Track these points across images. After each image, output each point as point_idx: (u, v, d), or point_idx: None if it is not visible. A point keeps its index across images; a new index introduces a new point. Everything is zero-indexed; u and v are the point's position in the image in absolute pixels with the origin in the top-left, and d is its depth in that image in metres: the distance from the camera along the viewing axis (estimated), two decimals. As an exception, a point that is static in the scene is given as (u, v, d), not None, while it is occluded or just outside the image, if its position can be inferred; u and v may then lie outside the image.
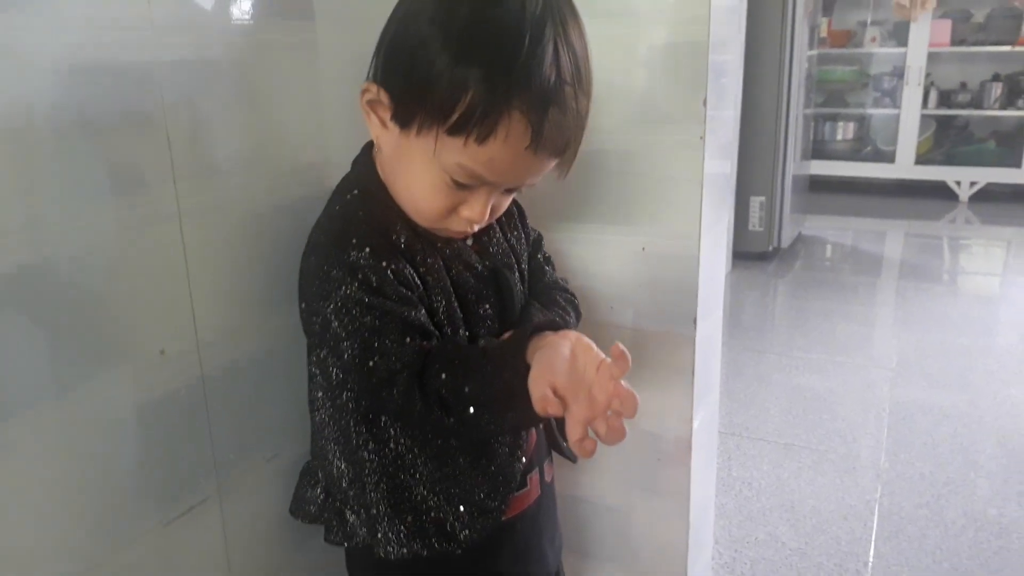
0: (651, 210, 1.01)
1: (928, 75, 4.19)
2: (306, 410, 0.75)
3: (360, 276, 0.61)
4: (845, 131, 4.48)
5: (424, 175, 0.62)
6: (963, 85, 4.29)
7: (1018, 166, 4.02)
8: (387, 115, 0.63)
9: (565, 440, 0.79)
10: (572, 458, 0.81)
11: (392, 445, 0.67)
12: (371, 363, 0.61)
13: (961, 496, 1.52)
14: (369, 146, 0.70)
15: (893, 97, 4.33)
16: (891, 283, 3.00)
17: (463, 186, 0.62)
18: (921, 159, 4.25)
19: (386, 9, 0.66)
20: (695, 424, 1.08)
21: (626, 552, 1.17)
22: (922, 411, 1.89)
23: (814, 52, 3.50)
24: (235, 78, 0.69)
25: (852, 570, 1.32)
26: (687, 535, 1.13)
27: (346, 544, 0.72)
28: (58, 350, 0.56)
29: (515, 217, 0.79)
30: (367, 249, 0.62)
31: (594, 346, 0.58)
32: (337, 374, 0.67)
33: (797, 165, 3.33)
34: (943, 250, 3.46)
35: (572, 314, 0.79)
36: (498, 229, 0.75)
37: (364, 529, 0.69)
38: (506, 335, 0.67)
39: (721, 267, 1.10)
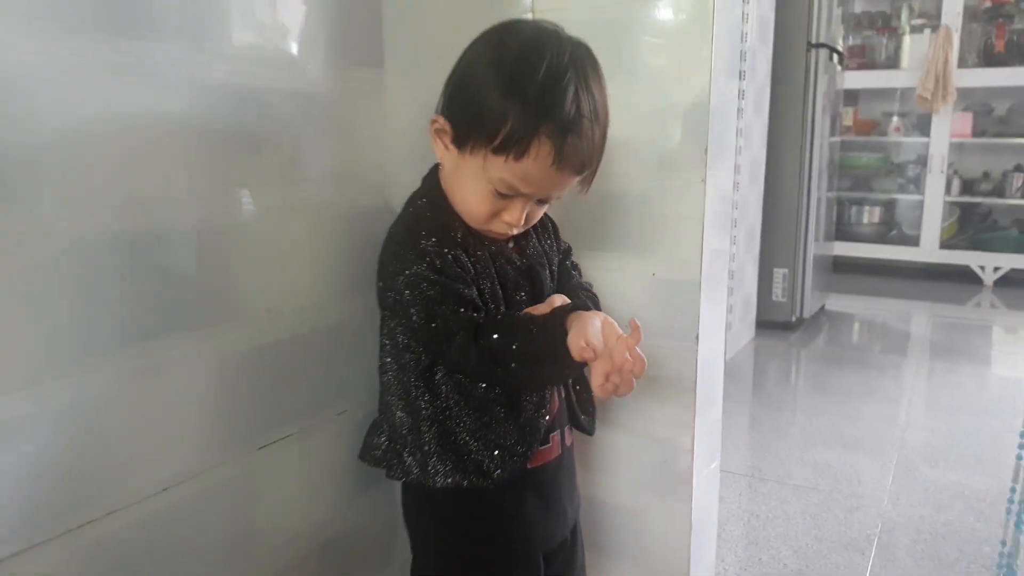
0: (661, 241, 1.19)
1: (951, 164, 4.37)
2: (368, 377, 0.93)
3: (427, 259, 0.80)
4: (871, 215, 4.65)
5: (475, 186, 0.82)
6: (986, 174, 4.45)
7: (1041, 252, 4.14)
8: (448, 140, 0.83)
9: (583, 414, 0.96)
10: (588, 431, 0.97)
11: (443, 398, 0.85)
12: (433, 325, 0.80)
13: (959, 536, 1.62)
14: (435, 167, 0.90)
15: (917, 184, 4.50)
16: (914, 361, 3.09)
17: (504, 196, 0.81)
18: (945, 244, 4.39)
19: (437, 63, 0.87)
20: (696, 431, 1.23)
21: (636, 549, 1.30)
22: (926, 462, 1.99)
23: (837, 139, 3.71)
24: (325, 109, 0.89)
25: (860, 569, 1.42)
26: (689, 535, 1.26)
27: (403, 479, 0.88)
28: (198, 297, 0.74)
29: (549, 229, 0.98)
30: (433, 239, 0.81)
31: (616, 324, 0.78)
32: (403, 339, 0.85)
33: (820, 245, 3.50)
34: (968, 331, 3.56)
35: (593, 308, 0.97)
36: (534, 236, 0.93)
37: (417, 467, 0.86)
38: (546, 310, 0.85)
39: (722, 292, 1.26)
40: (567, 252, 1.02)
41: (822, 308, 3.74)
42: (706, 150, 1.14)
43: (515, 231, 0.86)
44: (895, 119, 4.54)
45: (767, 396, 2.61)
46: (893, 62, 4.51)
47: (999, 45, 4.22)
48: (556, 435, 0.92)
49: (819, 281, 3.56)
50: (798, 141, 3.16)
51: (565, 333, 0.76)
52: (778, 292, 3.26)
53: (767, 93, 3.09)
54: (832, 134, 3.64)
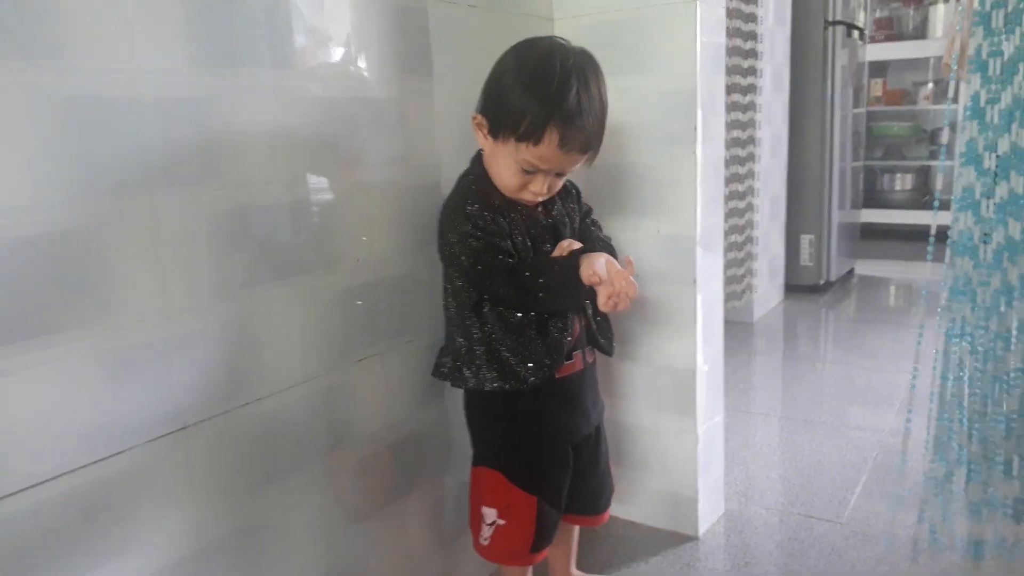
0: (664, 203, 1.46)
1: (981, 129, 4.47)
2: (427, 316, 1.21)
3: (472, 220, 1.07)
4: (903, 182, 4.78)
5: (507, 165, 1.08)
6: (1017, 137, 4.54)
7: (1072, 211, 4.23)
8: (486, 131, 1.10)
9: (601, 338, 1.23)
10: (607, 351, 1.24)
11: (489, 327, 1.12)
12: (479, 268, 1.07)
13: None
14: (479, 152, 1.17)
15: (950, 150, 4.61)
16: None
17: (529, 172, 1.08)
18: (977, 207, 4.49)
19: (474, 70, 1.13)
20: (699, 360, 1.49)
21: (654, 461, 1.57)
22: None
23: (861, 110, 3.88)
24: (386, 110, 1.17)
25: (842, 495, 1.65)
26: (696, 447, 1.52)
27: (464, 387, 1.16)
28: (309, 249, 1.04)
29: (572, 194, 1.23)
30: (476, 205, 1.09)
31: (616, 262, 1.04)
32: (459, 283, 1.12)
33: (846, 213, 3.68)
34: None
35: (607, 253, 1.23)
36: (559, 200, 1.19)
37: (473, 378, 1.13)
38: (566, 252, 1.11)
39: (717, 244, 1.52)
40: (588, 212, 1.28)
41: (851, 272, 3.92)
42: (696, 128, 1.40)
43: (541, 198, 1.13)
44: (924, 87, 4.65)
45: (794, 350, 2.84)
46: (920, 32, 4.63)
47: (1026, 10, 4.30)
48: (578, 353, 1.19)
49: (846, 247, 3.74)
50: (819, 115, 3.35)
51: (578, 268, 1.03)
52: (805, 257, 3.46)
53: (787, 72, 3.28)
54: (856, 106, 3.80)
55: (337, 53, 1.06)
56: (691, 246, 1.45)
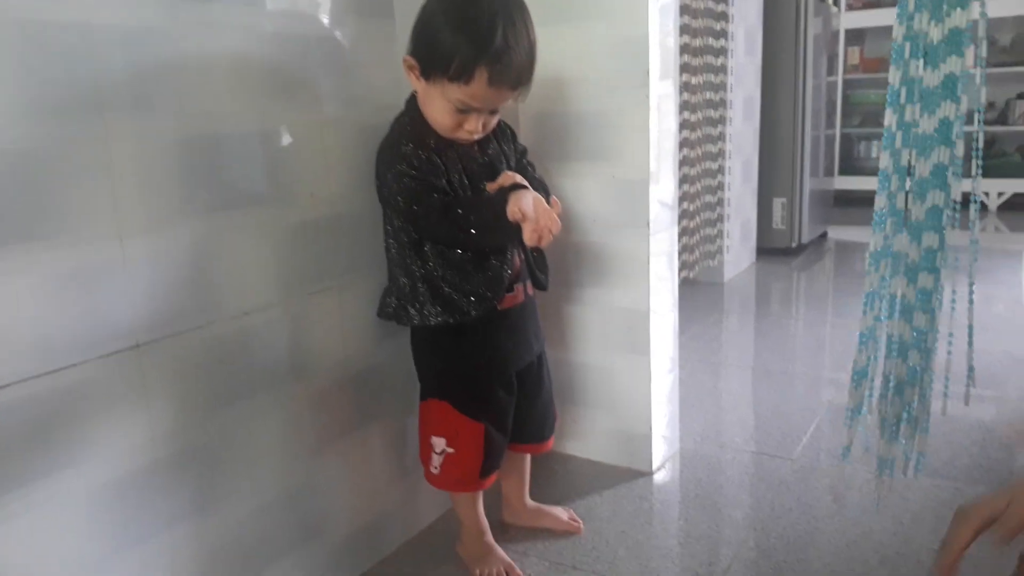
0: (618, 149, 1.49)
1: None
2: (374, 255, 1.25)
3: (407, 160, 1.10)
4: (880, 149, 4.82)
5: (440, 106, 1.11)
6: (991, 103, 4.60)
7: (1042, 177, 4.30)
8: (417, 73, 1.12)
9: (539, 272, 1.27)
10: (543, 286, 1.28)
11: (431, 264, 1.15)
12: (415, 208, 1.11)
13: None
14: (413, 94, 1.19)
15: (924, 117, 4.66)
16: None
17: (462, 111, 1.10)
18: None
19: None
20: (652, 301, 1.54)
21: (607, 400, 1.62)
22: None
23: (835, 79, 3.91)
24: (345, 50, 1.20)
25: (795, 435, 1.70)
26: (650, 384, 1.58)
27: (409, 323, 1.20)
28: (258, 182, 1.07)
29: (508, 135, 1.26)
30: (411, 145, 1.11)
31: (543, 199, 1.08)
32: (397, 223, 1.16)
33: (820, 179, 3.73)
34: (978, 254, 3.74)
35: (543, 191, 1.27)
36: (495, 140, 1.22)
37: (417, 315, 1.18)
38: (507, 184, 1.15)
39: (669, 188, 1.56)
40: (523, 152, 1.31)
41: (824, 236, 3.98)
42: (647, 72, 1.44)
43: (476, 136, 1.15)
44: (901, 55, 4.69)
45: (763, 309, 2.90)
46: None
47: (1002, -24, 4.33)
48: (520, 286, 1.23)
49: (819, 212, 3.79)
50: (791, 81, 3.39)
51: (505, 204, 1.07)
52: (777, 220, 3.51)
53: (759, 35, 3.31)
54: (830, 74, 3.84)
55: (288, -9, 1.09)
56: (644, 190, 1.49)
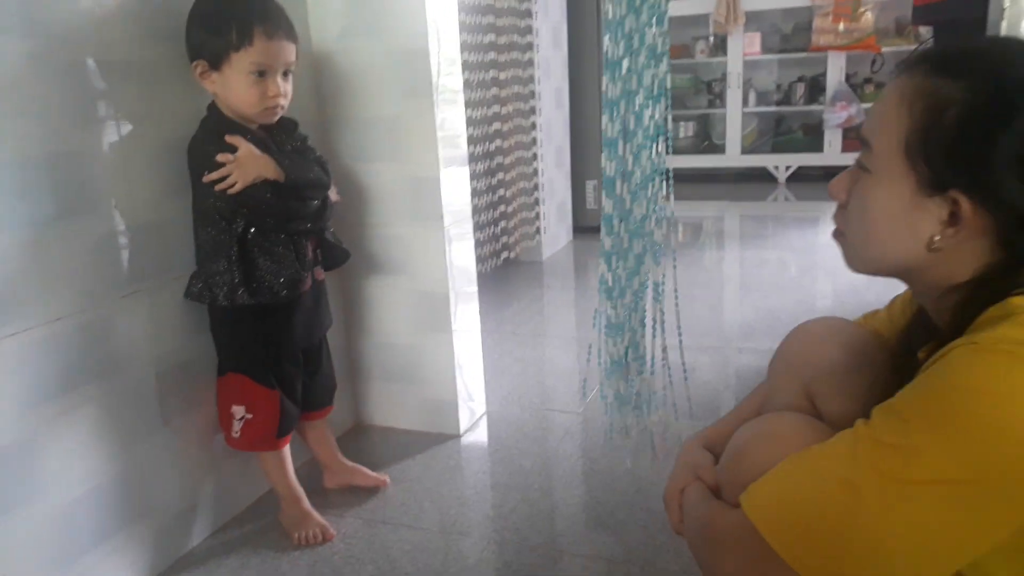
0: (410, 150, 1.67)
1: (747, 79, 5.03)
2: (187, 254, 1.37)
3: (210, 159, 1.24)
4: (687, 129, 5.29)
5: (240, 80, 1.25)
6: (778, 87, 5.14)
7: (821, 151, 4.87)
8: (207, 69, 1.25)
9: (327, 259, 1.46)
10: (331, 267, 1.49)
11: (246, 248, 1.29)
12: (226, 192, 1.25)
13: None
14: (211, 104, 1.31)
15: (722, 99, 5.15)
16: (728, 252, 3.71)
17: (260, 76, 1.25)
18: (747, 150, 5.08)
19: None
20: (450, 283, 1.74)
21: (416, 375, 1.81)
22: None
23: (640, 63, 4.26)
24: (144, 72, 1.30)
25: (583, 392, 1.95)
26: (453, 359, 1.78)
27: (214, 303, 1.31)
28: (60, 195, 1.16)
29: (291, 126, 1.40)
30: (211, 147, 1.25)
31: (257, 157, 1.27)
32: (213, 214, 1.29)
33: (630, 155, 4.07)
34: (766, 222, 4.21)
35: (321, 169, 1.40)
36: (285, 136, 1.37)
37: (225, 298, 1.30)
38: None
39: (462, 183, 1.76)
40: (305, 139, 1.44)
41: (638, 212, 4.34)
42: (430, 82, 1.62)
43: (282, 102, 1.30)
44: (700, 42, 5.15)
45: (580, 284, 3.18)
46: (696, -9, 5.09)
47: (780, -29, 4.84)
48: (309, 274, 1.39)
49: (631, 189, 4.14)
50: (595, 71, 3.68)
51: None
52: (590, 200, 3.82)
53: (564, 29, 3.58)
54: (634, 60, 4.18)
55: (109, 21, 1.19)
56: (436, 186, 1.67)
